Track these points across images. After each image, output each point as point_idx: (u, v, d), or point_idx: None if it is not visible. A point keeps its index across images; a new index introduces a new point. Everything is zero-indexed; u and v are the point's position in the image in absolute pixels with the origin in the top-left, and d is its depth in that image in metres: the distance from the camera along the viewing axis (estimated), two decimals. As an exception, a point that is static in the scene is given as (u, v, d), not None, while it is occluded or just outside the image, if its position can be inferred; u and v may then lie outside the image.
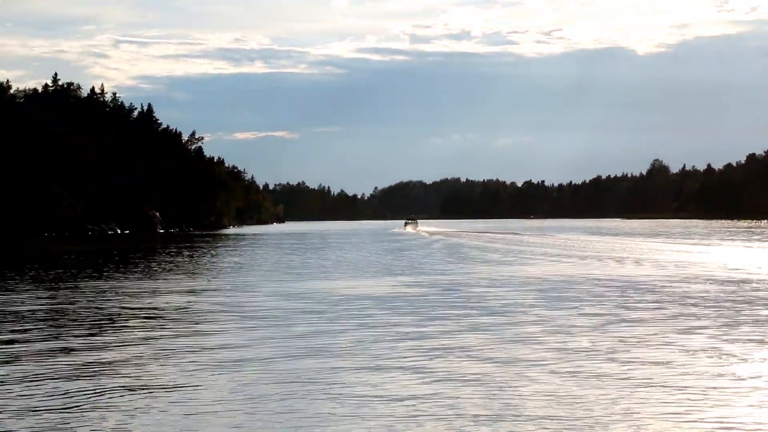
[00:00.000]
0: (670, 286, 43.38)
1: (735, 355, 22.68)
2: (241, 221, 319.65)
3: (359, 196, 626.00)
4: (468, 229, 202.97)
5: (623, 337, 25.94)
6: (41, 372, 21.09)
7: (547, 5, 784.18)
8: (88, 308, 35.89)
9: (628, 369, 20.80)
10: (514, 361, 22.07)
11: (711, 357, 22.44)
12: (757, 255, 73.84)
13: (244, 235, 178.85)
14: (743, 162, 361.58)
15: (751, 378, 19.74)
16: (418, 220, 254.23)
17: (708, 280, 46.70)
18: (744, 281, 45.55)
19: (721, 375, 20.07)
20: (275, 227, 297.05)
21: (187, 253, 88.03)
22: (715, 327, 28.03)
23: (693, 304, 34.68)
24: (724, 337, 25.80)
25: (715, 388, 18.64)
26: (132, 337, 27.31)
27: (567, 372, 20.48)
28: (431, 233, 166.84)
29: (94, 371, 21.19)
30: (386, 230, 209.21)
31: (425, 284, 46.61)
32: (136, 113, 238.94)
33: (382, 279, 51.03)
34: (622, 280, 47.77)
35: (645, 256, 72.41)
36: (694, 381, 19.34)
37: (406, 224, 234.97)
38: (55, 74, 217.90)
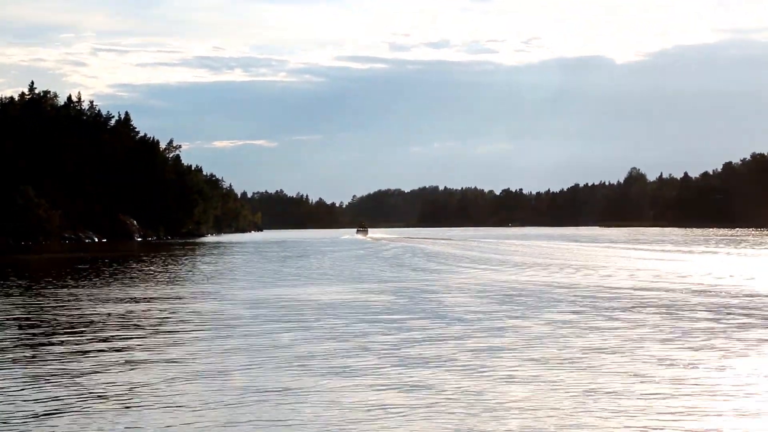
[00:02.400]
0: (632, 293, 43.61)
1: (696, 363, 22.85)
2: (219, 229, 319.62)
3: (337, 205, 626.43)
4: (426, 235, 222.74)
5: (582, 346, 26.10)
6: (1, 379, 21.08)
7: (526, 14, 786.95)
8: (56, 315, 35.79)
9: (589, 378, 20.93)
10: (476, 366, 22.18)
11: (669, 365, 22.60)
12: (716, 263, 74.36)
13: (221, 243, 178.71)
14: (720, 170, 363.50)
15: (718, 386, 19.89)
16: (369, 228, 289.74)
17: (668, 287, 46.97)
18: (706, 290, 45.85)
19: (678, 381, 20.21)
20: (253, 235, 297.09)
21: (162, 262, 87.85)
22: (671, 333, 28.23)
23: (662, 311, 34.89)
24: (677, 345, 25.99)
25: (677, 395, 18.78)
26: (97, 344, 27.29)
27: (533, 379, 20.60)
28: (376, 239, 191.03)
29: (55, 379, 21.17)
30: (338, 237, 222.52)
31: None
32: (113, 121, 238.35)
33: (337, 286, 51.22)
34: (565, 286, 47.98)
35: (608, 264, 72.73)
36: (656, 389, 19.49)
37: (357, 231, 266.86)
38: (32, 82, 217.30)
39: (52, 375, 21.50)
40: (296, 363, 22.84)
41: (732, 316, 32.92)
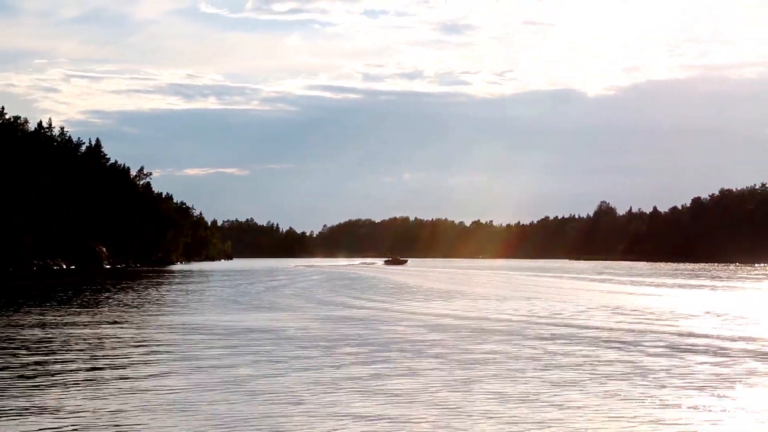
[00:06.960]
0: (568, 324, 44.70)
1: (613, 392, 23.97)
2: (189, 257, 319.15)
3: (308, 234, 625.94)
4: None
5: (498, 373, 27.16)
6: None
7: (499, 46, 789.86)
8: (11, 339, 36.57)
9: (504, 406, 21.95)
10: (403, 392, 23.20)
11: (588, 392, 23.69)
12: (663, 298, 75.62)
13: (190, 271, 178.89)
14: (688, 205, 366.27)
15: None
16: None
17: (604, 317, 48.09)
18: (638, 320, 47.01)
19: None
20: (223, 264, 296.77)
21: (127, 290, 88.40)
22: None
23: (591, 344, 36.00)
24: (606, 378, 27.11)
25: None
26: (41, 367, 28.15)
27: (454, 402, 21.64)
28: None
29: None
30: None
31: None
32: (84, 148, 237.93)
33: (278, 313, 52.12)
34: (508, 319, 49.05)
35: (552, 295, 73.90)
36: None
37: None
38: (2, 108, 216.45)
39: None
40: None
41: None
